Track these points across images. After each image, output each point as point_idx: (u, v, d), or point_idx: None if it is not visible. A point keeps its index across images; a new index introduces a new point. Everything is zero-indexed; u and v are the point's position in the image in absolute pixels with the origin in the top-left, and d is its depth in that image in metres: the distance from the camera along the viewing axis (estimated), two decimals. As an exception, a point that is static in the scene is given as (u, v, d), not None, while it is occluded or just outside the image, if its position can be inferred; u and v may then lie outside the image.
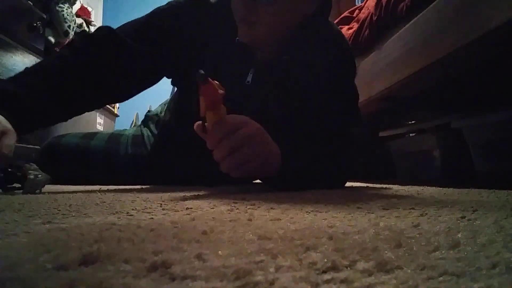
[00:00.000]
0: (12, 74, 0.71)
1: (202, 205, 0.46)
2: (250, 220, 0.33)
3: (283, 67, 0.82)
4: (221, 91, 0.56)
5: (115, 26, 0.82)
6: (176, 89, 1.04)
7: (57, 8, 1.83)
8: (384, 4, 1.26)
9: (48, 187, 0.87)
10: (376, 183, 1.20)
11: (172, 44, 0.84)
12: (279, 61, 0.82)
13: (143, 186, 0.89)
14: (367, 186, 1.02)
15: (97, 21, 3.27)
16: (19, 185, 0.64)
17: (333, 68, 0.84)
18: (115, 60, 0.78)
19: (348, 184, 0.99)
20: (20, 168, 0.64)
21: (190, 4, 0.86)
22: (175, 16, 0.85)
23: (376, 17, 1.33)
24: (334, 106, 0.83)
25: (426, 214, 0.37)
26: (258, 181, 1.08)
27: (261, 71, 0.82)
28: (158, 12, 0.86)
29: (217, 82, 0.56)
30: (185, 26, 0.84)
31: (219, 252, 0.20)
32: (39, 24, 1.53)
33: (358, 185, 1.06)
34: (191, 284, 0.16)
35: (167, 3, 0.88)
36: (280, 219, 0.33)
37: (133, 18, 0.86)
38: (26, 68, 0.72)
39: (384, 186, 1.03)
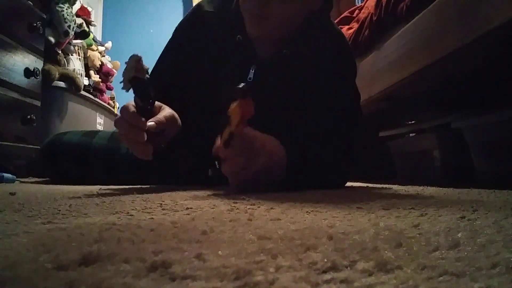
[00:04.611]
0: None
1: (202, 205, 0.46)
2: (250, 220, 0.33)
3: (284, 62, 0.83)
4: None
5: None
6: None
7: (57, 8, 1.83)
8: (384, 4, 1.26)
9: (49, 187, 0.87)
10: (376, 183, 1.20)
11: (189, 71, 0.89)
12: (280, 56, 0.82)
13: (143, 186, 0.89)
14: (367, 186, 1.02)
15: (97, 21, 3.26)
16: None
17: (334, 65, 0.84)
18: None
19: (348, 184, 0.99)
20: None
21: (189, 23, 0.90)
22: (180, 48, 0.91)
23: (376, 17, 1.32)
24: (335, 104, 0.83)
25: (426, 214, 0.37)
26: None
27: (262, 68, 0.83)
28: (166, 54, 0.93)
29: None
30: (192, 51, 0.88)
31: (219, 252, 0.20)
32: (39, 24, 1.52)
33: (358, 185, 1.06)
34: (191, 284, 0.16)
35: (174, 31, 0.93)
36: (280, 219, 0.33)
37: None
38: None
39: (384, 186, 1.03)
